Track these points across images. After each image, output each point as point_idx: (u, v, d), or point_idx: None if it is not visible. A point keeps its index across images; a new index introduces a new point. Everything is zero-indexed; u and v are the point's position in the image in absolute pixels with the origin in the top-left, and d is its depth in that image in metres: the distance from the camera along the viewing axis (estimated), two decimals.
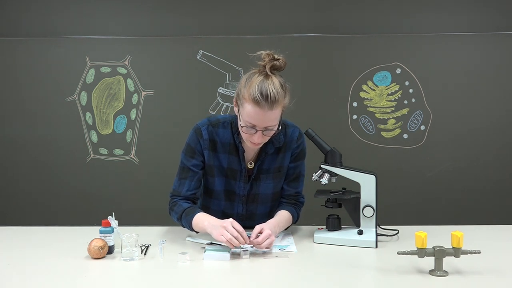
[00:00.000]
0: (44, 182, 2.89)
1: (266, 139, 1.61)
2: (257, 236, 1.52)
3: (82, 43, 2.87)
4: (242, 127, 1.57)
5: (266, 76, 1.54)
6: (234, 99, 1.63)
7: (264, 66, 1.55)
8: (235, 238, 1.47)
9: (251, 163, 1.73)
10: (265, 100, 1.49)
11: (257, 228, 1.55)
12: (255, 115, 1.51)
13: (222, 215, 1.73)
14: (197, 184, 1.74)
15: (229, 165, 1.72)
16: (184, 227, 1.70)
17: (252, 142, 1.59)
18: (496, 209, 2.85)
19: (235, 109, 1.62)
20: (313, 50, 2.86)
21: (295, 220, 1.81)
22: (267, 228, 1.54)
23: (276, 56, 1.56)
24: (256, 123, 1.53)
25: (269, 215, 1.77)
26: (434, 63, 2.85)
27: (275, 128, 1.58)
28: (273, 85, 1.51)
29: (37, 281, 1.33)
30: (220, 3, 2.98)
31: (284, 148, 1.73)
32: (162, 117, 2.88)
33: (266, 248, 1.52)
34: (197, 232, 1.69)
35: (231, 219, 1.53)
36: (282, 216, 1.73)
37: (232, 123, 1.70)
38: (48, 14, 2.99)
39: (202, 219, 1.60)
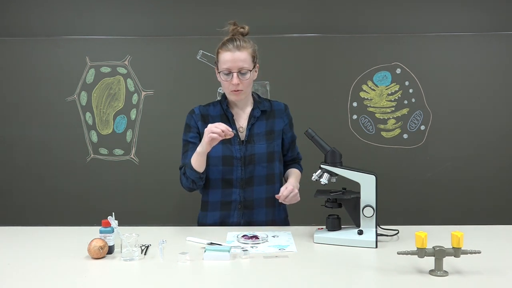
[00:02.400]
0: (44, 182, 2.89)
1: (245, 85, 1.83)
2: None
3: (82, 43, 2.87)
4: (221, 77, 1.85)
5: (232, 36, 1.89)
6: (215, 69, 1.90)
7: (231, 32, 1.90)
8: (217, 125, 1.68)
9: (242, 127, 1.93)
10: (231, 44, 1.83)
11: (283, 188, 1.81)
12: (227, 58, 1.81)
13: (222, 182, 1.90)
14: None
15: None
16: (192, 180, 1.83)
17: (233, 92, 1.84)
18: (496, 209, 2.85)
19: (217, 75, 1.89)
20: (313, 50, 2.86)
21: (301, 172, 2.07)
22: (290, 185, 1.82)
23: (239, 26, 1.89)
24: (229, 65, 1.81)
25: (267, 178, 1.92)
26: (434, 63, 2.85)
27: (248, 71, 1.83)
28: (238, 37, 1.87)
29: (37, 281, 1.33)
30: (220, 3, 2.98)
31: (273, 115, 1.96)
32: (162, 117, 2.88)
33: (290, 201, 1.82)
34: (202, 176, 1.82)
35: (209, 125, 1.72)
36: (295, 172, 2.02)
37: (220, 101, 1.96)
38: (48, 14, 2.99)
39: (194, 153, 1.80)
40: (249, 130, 1.91)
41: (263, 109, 1.94)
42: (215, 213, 1.93)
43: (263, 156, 1.90)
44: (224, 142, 1.84)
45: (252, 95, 1.98)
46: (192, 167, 1.80)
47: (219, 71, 1.86)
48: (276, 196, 1.81)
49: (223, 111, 1.93)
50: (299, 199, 1.85)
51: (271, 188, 1.92)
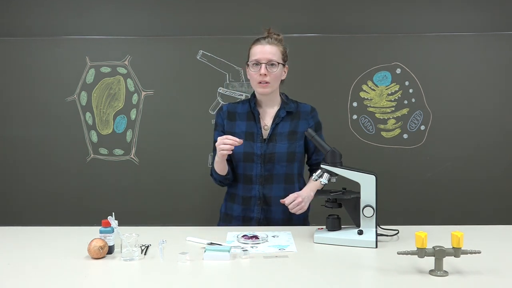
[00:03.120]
0: (44, 182, 2.89)
1: (272, 77, 1.88)
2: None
3: (82, 43, 2.87)
4: (250, 70, 1.90)
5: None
6: (246, 68, 1.96)
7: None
8: (224, 141, 1.75)
9: (266, 125, 1.97)
10: (263, 39, 1.92)
11: (291, 196, 1.82)
12: (257, 51, 1.89)
13: (244, 177, 1.96)
14: None
15: (247, 129, 1.96)
16: (220, 180, 1.96)
17: (260, 84, 1.88)
18: (496, 209, 2.85)
19: (247, 73, 1.96)
20: (313, 50, 2.86)
21: None
22: (297, 194, 1.83)
23: (274, 33, 1.95)
24: (258, 57, 1.88)
25: (286, 177, 1.94)
26: (434, 63, 2.85)
27: (277, 64, 1.89)
28: (271, 35, 1.94)
29: (37, 281, 1.33)
30: (220, 3, 2.98)
31: (298, 117, 1.99)
32: (162, 117, 2.88)
33: (295, 211, 1.81)
34: (227, 177, 1.93)
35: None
36: (313, 182, 1.95)
37: (250, 99, 2.01)
38: (48, 14, 2.99)
39: (214, 160, 1.89)
40: (272, 129, 1.95)
41: (289, 110, 1.98)
42: (239, 206, 1.98)
43: (283, 156, 1.93)
44: (247, 138, 1.93)
45: (281, 96, 2.02)
46: (215, 171, 1.92)
47: (248, 61, 1.93)
48: (281, 200, 1.83)
49: (250, 108, 1.98)
50: (304, 209, 1.85)
51: (289, 187, 1.95)
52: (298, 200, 1.81)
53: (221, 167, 1.89)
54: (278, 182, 1.93)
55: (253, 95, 2.00)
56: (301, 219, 2.01)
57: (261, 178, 1.94)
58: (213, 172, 1.96)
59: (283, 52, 1.94)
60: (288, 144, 1.94)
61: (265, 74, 1.87)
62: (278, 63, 1.89)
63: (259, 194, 1.94)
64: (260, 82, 1.89)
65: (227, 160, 1.89)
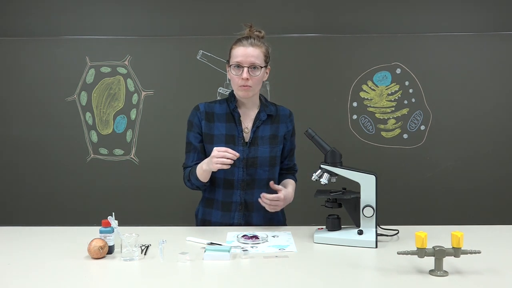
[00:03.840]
0: (44, 182, 2.89)
1: (254, 81, 1.81)
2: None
3: (82, 43, 2.87)
4: (231, 72, 1.82)
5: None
6: (226, 66, 1.89)
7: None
8: (224, 154, 1.67)
9: (247, 128, 1.90)
10: (245, 40, 1.83)
11: (275, 196, 1.80)
12: (239, 53, 1.80)
13: (224, 182, 1.89)
14: (201, 156, 1.90)
15: (227, 132, 1.88)
16: (197, 186, 1.87)
17: (242, 87, 1.81)
18: (496, 209, 2.85)
19: (228, 72, 1.88)
20: (313, 50, 2.86)
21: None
22: (281, 193, 1.81)
23: (256, 30, 1.88)
24: (241, 60, 1.79)
25: (268, 182, 1.89)
26: (434, 63, 2.86)
27: (259, 68, 1.81)
28: (253, 35, 1.86)
29: (37, 281, 1.33)
30: (220, 3, 2.98)
31: (277, 120, 1.94)
32: (162, 117, 2.88)
33: (270, 208, 1.80)
34: (206, 184, 1.84)
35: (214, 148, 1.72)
36: (291, 183, 1.98)
37: (227, 100, 1.92)
38: (48, 14, 2.99)
39: (200, 166, 1.80)
40: (253, 132, 1.89)
41: (269, 113, 1.91)
42: (218, 212, 1.92)
43: (265, 160, 1.88)
44: (228, 141, 1.85)
45: (260, 97, 1.96)
46: (197, 177, 1.81)
47: (230, 64, 1.84)
48: (262, 195, 1.80)
49: (229, 110, 1.90)
50: (277, 210, 1.84)
51: (270, 192, 1.89)
52: (277, 203, 1.80)
53: (206, 176, 1.80)
54: (260, 187, 1.88)
55: (232, 95, 1.91)
56: (281, 224, 2.00)
57: (242, 183, 1.88)
58: (191, 178, 1.85)
59: (266, 53, 1.85)
60: (270, 148, 1.89)
61: (247, 78, 1.79)
62: (261, 66, 1.82)
63: (241, 200, 1.89)
64: (241, 85, 1.81)
65: None
